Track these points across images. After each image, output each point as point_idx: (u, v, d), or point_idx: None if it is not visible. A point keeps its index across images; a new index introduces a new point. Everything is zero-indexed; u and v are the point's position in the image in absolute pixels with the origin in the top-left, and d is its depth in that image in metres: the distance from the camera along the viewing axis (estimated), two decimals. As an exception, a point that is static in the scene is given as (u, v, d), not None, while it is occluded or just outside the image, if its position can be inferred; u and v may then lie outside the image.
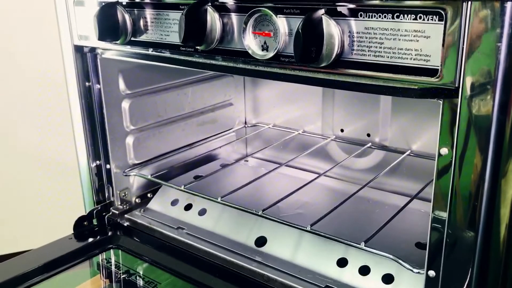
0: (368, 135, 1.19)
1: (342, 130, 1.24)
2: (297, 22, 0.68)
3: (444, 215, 0.66)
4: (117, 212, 1.15)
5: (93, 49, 1.02)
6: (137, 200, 1.19)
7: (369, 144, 1.17)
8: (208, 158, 1.34)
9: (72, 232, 1.11)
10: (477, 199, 0.63)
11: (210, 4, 0.78)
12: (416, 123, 1.10)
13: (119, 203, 1.16)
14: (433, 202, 0.67)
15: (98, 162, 1.13)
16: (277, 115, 1.36)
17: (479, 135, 0.60)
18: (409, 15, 0.61)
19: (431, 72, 0.61)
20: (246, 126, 1.42)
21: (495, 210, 0.64)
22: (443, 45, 0.59)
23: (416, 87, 0.63)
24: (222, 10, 0.78)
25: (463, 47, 0.58)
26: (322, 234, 0.87)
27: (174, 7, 0.83)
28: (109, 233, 1.13)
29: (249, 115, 1.42)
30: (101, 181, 1.14)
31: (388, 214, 0.94)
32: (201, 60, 0.84)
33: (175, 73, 1.21)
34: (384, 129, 1.16)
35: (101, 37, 0.90)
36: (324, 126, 1.27)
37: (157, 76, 1.18)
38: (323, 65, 0.68)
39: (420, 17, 0.60)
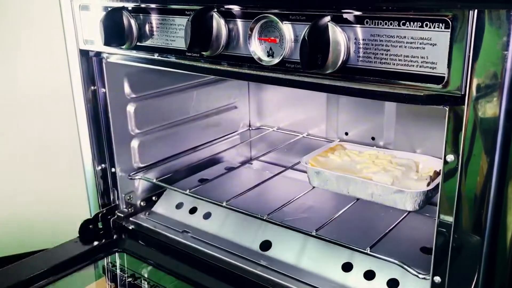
0: (373, 138, 1.19)
1: (346, 133, 1.24)
2: (303, 28, 0.69)
3: (450, 219, 0.66)
4: (122, 215, 1.15)
5: (98, 54, 1.03)
6: (142, 204, 1.20)
7: (374, 148, 1.17)
8: (213, 161, 1.34)
9: (78, 235, 1.11)
10: (483, 205, 0.63)
11: (216, 10, 0.78)
12: (420, 127, 1.10)
13: (124, 207, 1.17)
14: (439, 207, 0.68)
15: (103, 165, 1.13)
16: (282, 118, 1.36)
17: (485, 142, 0.61)
18: (415, 23, 0.61)
19: (437, 80, 0.61)
20: (250, 129, 1.42)
21: (502, 215, 0.64)
22: (449, 52, 0.59)
23: (422, 94, 0.64)
24: (228, 16, 0.78)
25: (469, 55, 0.58)
26: (327, 239, 0.88)
27: (180, 12, 0.84)
28: (114, 237, 1.14)
29: (254, 118, 1.42)
30: (106, 184, 1.14)
31: (393, 218, 0.94)
32: (206, 66, 0.84)
33: (180, 76, 1.21)
34: (388, 132, 1.16)
35: (107, 42, 0.90)
36: (329, 129, 1.27)
37: (162, 79, 1.19)
38: (329, 71, 0.68)
39: (426, 25, 0.60)
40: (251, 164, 1.40)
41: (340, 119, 1.24)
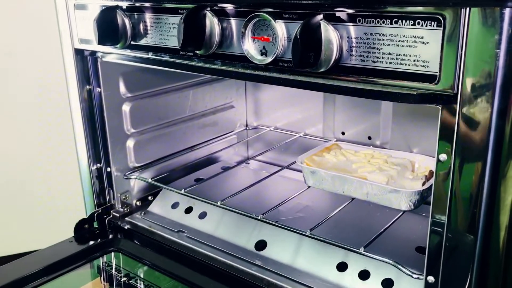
0: (369, 138, 1.19)
1: (343, 133, 1.23)
2: (295, 27, 0.68)
3: (444, 219, 0.66)
4: (117, 215, 1.15)
5: (93, 53, 1.03)
6: (137, 203, 1.20)
7: (370, 147, 1.17)
8: (209, 161, 1.34)
9: (73, 235, 1.11)
10: (476, 203, 0.63)
11: (209, 8, 0.78)
12: (417, 126, 1.10)
13: (120, 206, 1.16)
14: (432, 206, 0.67)
15: (98, 165, 1.13)
16: (278, 118, 1.36)
17: (478, 141, 0.60)
18: (408, 21, 0.60)
19: (430, 78, 0.61)
20: (247, 128, 1.42)
21: (495, 214, 0.63)
22: (441, 51, 0.59)
23: (415, 93, 0.63)
24: (221, 14, 0.78)
25: (461, 53, 0.58)
26: (321, 239, 0.87)
27: (174, 11, 0.83)
28: (110, 236, 1.13)
29: (250, 117, 1.42)
30: (101, 184, 1.14)
31: (389, 218, 0.94)
32: (200, 65, 0.84)
33: (176, 75, 1.21)
34: (385, 132, 1.16)
35: (101, 41, 0.90)
36: (325, 128, 1.26)
37: (158, 79, 1.19)
38: (321, 70, 0.68)
39: (418, 23, 0.60)
40: (248, 163, 1.39)
41: (336, 119, 1.24)
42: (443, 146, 0.63)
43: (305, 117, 1.30)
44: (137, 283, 1.01)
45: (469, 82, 0.58)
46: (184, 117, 1.26)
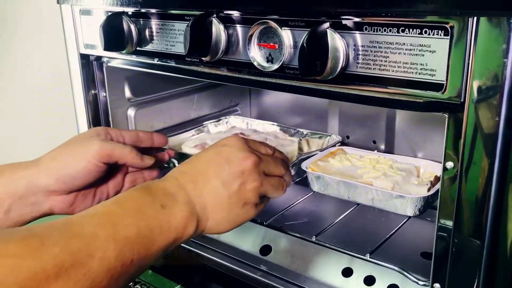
0: (374, 142, 1.19)
1: (348, 137, 1.24)
2: (302, 34, 0.68)
3: (450, 225, 0.66)
4: (122, 219, 1.15)
5: (99, 58, 1.03)
6: (142, 207, 1.19)
7: (375, 152, 1.17)
8: (214, 165, 1.34)
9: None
10: (483, 211, 0.63)
11: (215, 15, 0.78)
12: (422, 130, 1.10)
13: (125, 210, 1.16)
14: (439, 213, 0.67)
15: (104, 169, 1.13)
16: (282, 121, 1.36)
17: (485, 150, 0.60)
18: (415, 30, 0.61)
19: (437, 87, 0.61)
20: (251, 132, 1.42)
21: (502, 221, 0.63)
22: (448, 60, 0.59)
23: (421, 101, 0.63)
24: (228, 21, 0.78)
25: (468, 62, 0.58)
26: (326, 245, 0.87)
27: (180, 18, 0.84)
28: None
29: (255, 121, 1.42)
30: (107, 188, 1.14)
31: (394, 223, 0.94)
32: (206, 71, 0.84)
33: (181, 80, 1.21)
34: (390, 136, 1.16)
35: (107, 47, 0.90)
36: (330, 132, 1.26)
37: (163, 83, 1.19)
38: (328, 78, 0.68)
39: (425, 32, 0.60)
40: (252, 167, 1.39)
41: (341, 123, 1.24)
42: (450, 154, 0.63)
43: (309, 121, 1.30)
44: (141, 287, 1.02)
45: (476, 91, 0.58)
46: (189, 121, 1.27)
